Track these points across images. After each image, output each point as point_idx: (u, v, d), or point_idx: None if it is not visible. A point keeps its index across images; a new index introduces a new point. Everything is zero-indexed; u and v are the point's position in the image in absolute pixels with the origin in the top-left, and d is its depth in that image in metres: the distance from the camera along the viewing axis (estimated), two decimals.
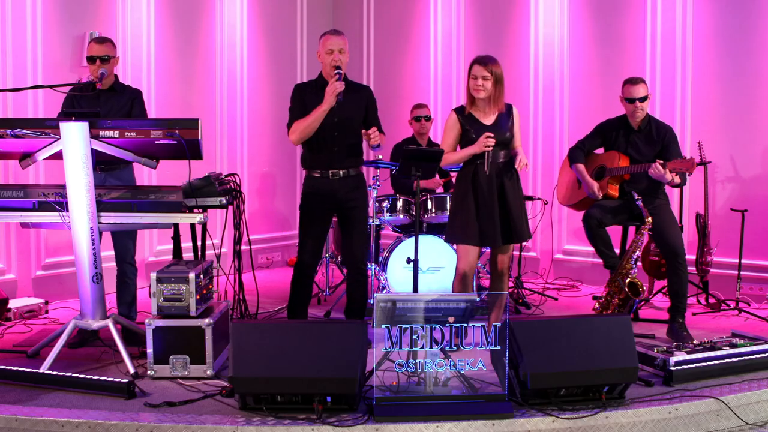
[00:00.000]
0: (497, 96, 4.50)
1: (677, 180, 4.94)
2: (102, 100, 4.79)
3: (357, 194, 4.78)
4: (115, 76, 4.91)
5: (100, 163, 4.72)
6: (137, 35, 6.56)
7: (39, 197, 4.34)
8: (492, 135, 4.45)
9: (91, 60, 4.74)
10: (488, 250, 4.81)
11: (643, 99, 5.10)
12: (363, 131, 4.65)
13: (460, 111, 4.62)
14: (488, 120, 4.55)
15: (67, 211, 4.24)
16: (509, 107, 4.60)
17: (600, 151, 5.42)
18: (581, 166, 5.33)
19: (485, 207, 4.50)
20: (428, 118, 6.29)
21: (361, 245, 4.83)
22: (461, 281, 4.59)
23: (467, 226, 4.54)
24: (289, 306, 4.85)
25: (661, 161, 4.90)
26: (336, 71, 4.56)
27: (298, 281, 4.79)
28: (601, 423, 3.61)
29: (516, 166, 4.48)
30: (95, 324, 4.33)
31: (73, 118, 4.17)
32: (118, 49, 4.89)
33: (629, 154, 5.18)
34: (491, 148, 4.44)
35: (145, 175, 6.12)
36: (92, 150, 4.19)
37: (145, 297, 5.02)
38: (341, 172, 4.70)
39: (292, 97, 4.75)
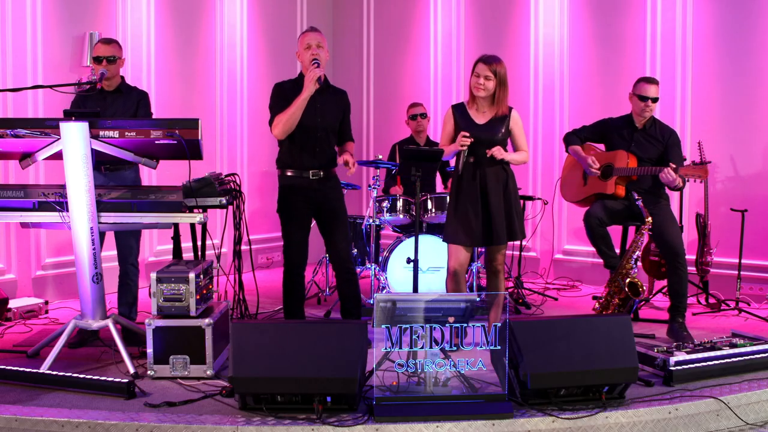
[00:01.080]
0: (500, 97, 4.49)
1: (681, 184, 4.96)
2: (108, 102, 4.82)
3: (336, 194, 4.79)
4: (122, 77, 4.93)
5: (105, 164, 4.73)
6: (137, 35, 6.56)
7: (39, 197, 4.34)
8: (468, 134, 4.44)
9: (97, 60, 4.75)
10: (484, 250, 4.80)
11: (655, 100, 5.13)
12: (341, 159, 4.69)
13: (457, 107, 4.63)
14: (482, 119, 4.54)
15: (67, 211, 4.24)
16: (509, 110, 4.58)
17: (601, 146, 5.42)
18: (577, 147, 5.35)
19: (467, 207, 4.52)
20: (424, 116, 6.28)
21: (346, 245, 4.82)
22: (453, 279, 4.63)
23: (453, 225, 4.58)
24: (284, 308, 4.84)
25: (674, 166, 4.91)
26: (314, 61, 4.54)
27: (290, 281, 4.77)
28: (601, 423, 3.61)
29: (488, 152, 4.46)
30: (95, 324, 4.33)
31: (73, 118, 4.17)
32: None
33: (633, 152, 5.18)
34: (465, 147, 4.43)
35: (145, 175, 6.11)
36: (92, 150, 4.19)
37: (146, 297, 5.02)
38: (321, 173, 4.69)
39: (273, 95, 4.71)
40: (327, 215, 4.77)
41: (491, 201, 4.50)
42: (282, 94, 4.65)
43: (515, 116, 4.58)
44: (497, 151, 4.46)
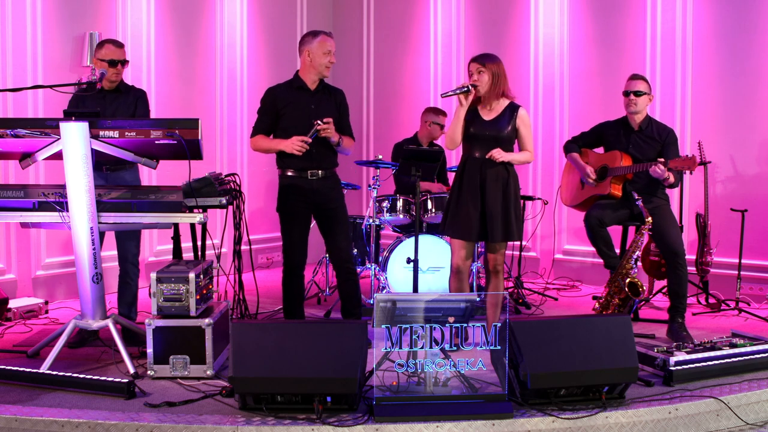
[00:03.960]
0: (498, 91, 4.53)
1: (672, 179, 4.96)
2: (108, 101, 4.82)
3: (336, 194, 4.81)
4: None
5: (106, 163, 4.74)
6: (137, 35, 6.56)
7: (39, 197, 4.34)
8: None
9: (112, 63, 4.75)
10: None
11: (638, 94, 5.12)
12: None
13: None
14: (489, 116, 4.57)
15: (67, 211, 4.24)
16: (515, 107, 4.61)
17: (600, 150, 5.43)
18: (575, 155, 5.41)
19: (466, 201, 4.54)
20: (443, 128, 6.26)
21: (346, 245, 4.84)
22: (456, 276, 4.63)
23: (451, 218, 4.61)
24: (284, 308, 4.85)
25: (662, 160, 4.92)
26: (314, 130, 4.54)
27: (290, 282, 4.79)
28: (601, 423, 3.61)
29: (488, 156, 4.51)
30: (95, 324, 4.33)
31: (73, 118, 4.17)
32: None
33: (631, 153, 5.18)
34: (466, 86, 4.46)
35: (145, 175, 6.11)
36: (92, 150, 4.19)
37: (146, 297, 5.02)
38: (320, 173, 4.71)
39: (263, 101, 4.78)
40: (327, 215, 4.78)
41: (488, 198, 4.51)
42: (271, 104, 4.73)
43: (523, 115, 4.61)
44: (497, 153, 4.49)
